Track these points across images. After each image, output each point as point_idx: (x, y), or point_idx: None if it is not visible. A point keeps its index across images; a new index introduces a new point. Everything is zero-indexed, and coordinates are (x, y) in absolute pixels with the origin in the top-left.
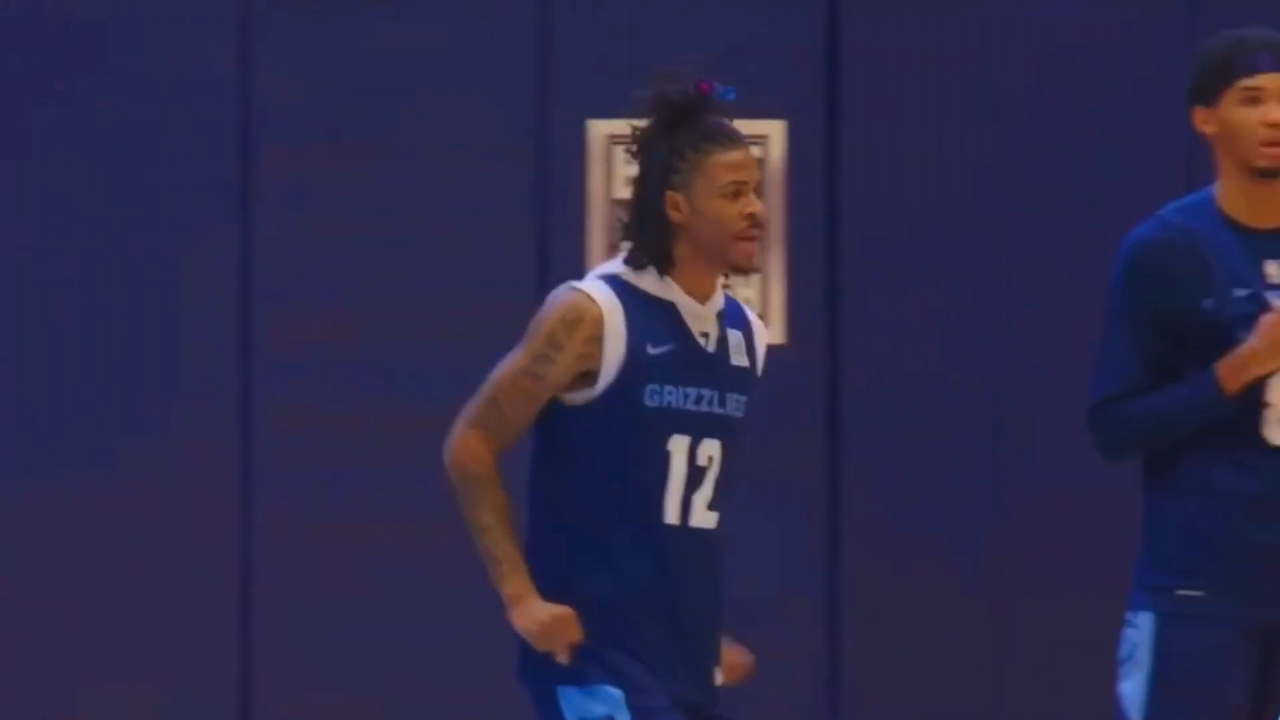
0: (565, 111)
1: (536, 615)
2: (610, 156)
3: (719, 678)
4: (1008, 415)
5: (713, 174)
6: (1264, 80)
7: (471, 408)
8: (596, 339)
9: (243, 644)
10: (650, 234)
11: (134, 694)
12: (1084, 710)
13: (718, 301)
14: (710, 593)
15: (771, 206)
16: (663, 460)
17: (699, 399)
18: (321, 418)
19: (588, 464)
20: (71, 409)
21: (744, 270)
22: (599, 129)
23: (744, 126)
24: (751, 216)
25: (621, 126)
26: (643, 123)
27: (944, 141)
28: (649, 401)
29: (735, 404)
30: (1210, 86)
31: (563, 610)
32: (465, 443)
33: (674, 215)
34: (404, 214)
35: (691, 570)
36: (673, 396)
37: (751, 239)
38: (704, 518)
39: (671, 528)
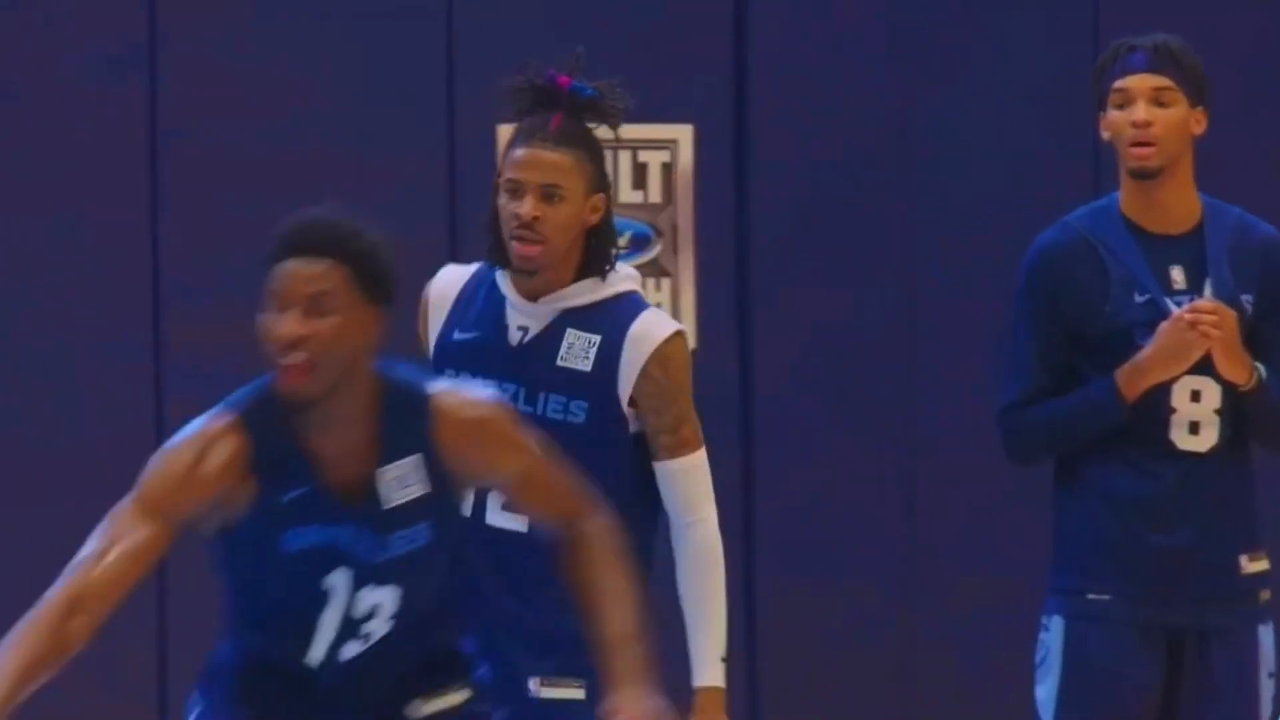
0: (474, 116)
1: None
2: None
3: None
4: (919, 418)
5: (504, 170)
6: (1131, 81)
7: None
8: (424, 318)
9: (160, 639)
10: (487, 226)
11: (52, 685)
12: None
13: (565, 300)
14: (525, 601)
15: (682, 211)
16: None
17: (498, 392)
18: None
19: None
20: None
21: (519, 271)
22: (507, 134)
23: (652, 131)
24: (516, 217)
25: None
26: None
27: (853, 145)
28: None
29: (555, 406)
30: (1099, 93)
31: None
32: None
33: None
34: None
35: (499, 571)
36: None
37: (518, 240)
38: (502, 518)
39: (471, 524)
